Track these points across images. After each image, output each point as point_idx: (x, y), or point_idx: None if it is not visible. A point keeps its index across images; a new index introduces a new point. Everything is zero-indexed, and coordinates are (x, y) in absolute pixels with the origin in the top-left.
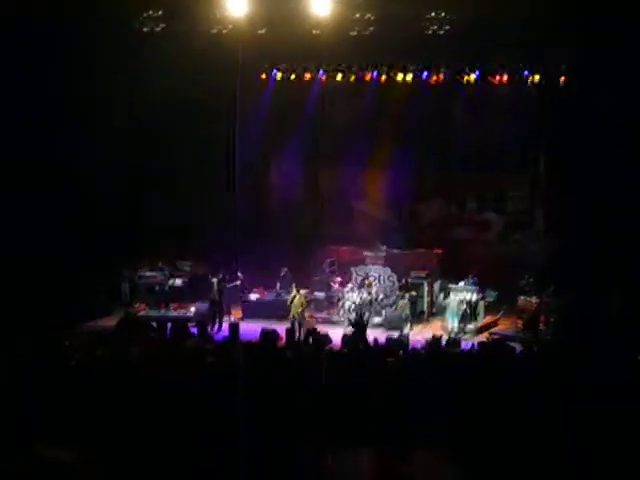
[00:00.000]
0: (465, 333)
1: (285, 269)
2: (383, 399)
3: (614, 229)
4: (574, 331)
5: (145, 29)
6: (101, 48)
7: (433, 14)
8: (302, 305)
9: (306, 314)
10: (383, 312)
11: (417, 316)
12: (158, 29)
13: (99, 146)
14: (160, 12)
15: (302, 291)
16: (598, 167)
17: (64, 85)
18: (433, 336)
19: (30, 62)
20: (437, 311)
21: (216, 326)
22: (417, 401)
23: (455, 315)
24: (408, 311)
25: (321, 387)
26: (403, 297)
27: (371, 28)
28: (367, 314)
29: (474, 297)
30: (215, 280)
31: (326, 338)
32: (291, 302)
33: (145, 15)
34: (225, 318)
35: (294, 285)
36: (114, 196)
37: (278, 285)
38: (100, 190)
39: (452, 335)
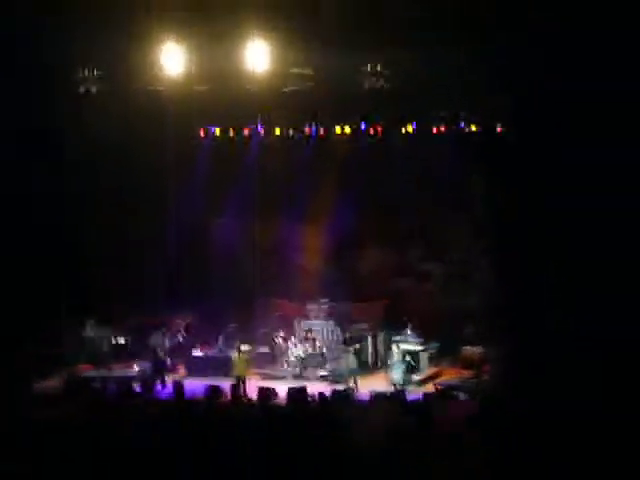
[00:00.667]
0: (410, 384)
1: (232, 325)
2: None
3: (557, 275)
4: (518, 379)
5: (81, 90)
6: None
7: (369, 68)
8: (246, 361)
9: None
10: (327, 365)
11: (362, 368)
12: (94, 89)
13: (36, 206)
14: (95, 72)
15: (245, 347)
16: (536, 216)
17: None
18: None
19: None
20: (381, 363)
21: (159, 384)
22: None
23: (399, 367)
24: (353, 363)
25: (269, 442)
26: (347, 350)
27: (308, 83)
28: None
29: (417, 348)
30: (158, 337)
31: (272, 393)
32: (236, 359)
33: (80, 76)
34: (168, 376)
35: (238, 341)
36: (54, 256)
37: (221, 340)
38: (40, 251)
39: (397, 387)
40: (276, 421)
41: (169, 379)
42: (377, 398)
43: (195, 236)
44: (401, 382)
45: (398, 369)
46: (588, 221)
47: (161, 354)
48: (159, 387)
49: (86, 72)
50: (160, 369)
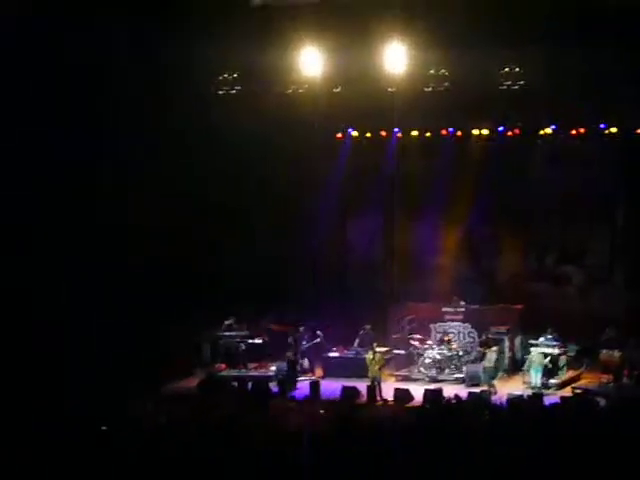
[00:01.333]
0: (548, 388)
1: (367, 327)
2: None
3: None
4: None
5: (220, 92)
6: (176, 112)
7: (507, 69)
8: (380, 363)
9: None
10: (464, 368)
11: (499, 371)
12: (233, 91)
13: (170, 208)
14: (235, 74)
15: (381, 349)
16: None
17: (134, 150)
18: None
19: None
20: (518, 366)
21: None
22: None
23: (537, 370)
24: (491, 366)
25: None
26: (486, 353)
27: (445, 84)
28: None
29: (555, 351)
30: (293, 339)
31: (407, 395)
32: (371, 361)
33: (220, 78)
34: (305, 377)
35: (374, 343)
36: (194, 259)
37: (357, 342)
38: (179, 254)
39: (535, 390)
40: (412, 423)
41: (306, 379)
42: (513, 402)
43: (334, 238)
44: (539, 385)
45: (536, 372)
46: None
47: (298, 355)
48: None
49: (226, 74)
50: (296, 370)
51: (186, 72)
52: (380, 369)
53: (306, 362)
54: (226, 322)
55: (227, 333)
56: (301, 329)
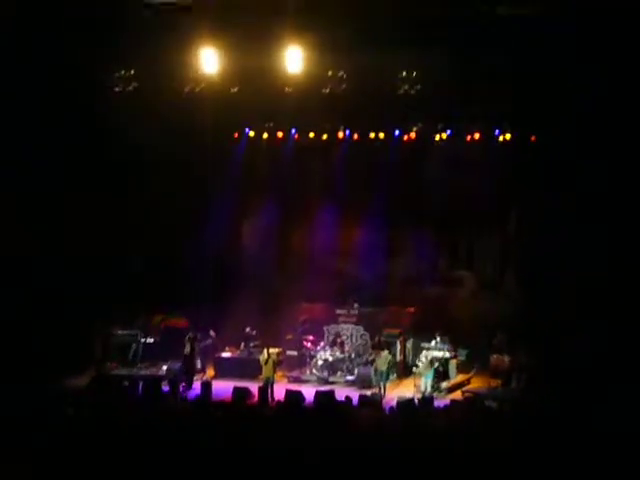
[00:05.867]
0: (438, 391)
1: (248, 328)
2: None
3: (585, 287)
4: (546, 387)
5: (117, 89)
6: (72, 107)
7: (405, 73)
8: (274, 364)
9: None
10: (355, 370)
11: (390, 374)
12: (130, 88)
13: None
14: (132, 71)
15: (274, 349)
16: (569, 227)
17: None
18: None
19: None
20: (410, 369)
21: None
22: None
23: (428, 373)
24: (382, 369)
25: (299, 445)
26: (377, 355)
27: (343, 86)
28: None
29: (446, 355)
30: (187, 338)
31: (299, 396)
32: (265, 361)
33: (117, 75)
34: (197, 377)
35: (264, 344)
36: (90, 256)
37: (242, 344)
38: (77, 250)
39: (425, 393)
40: (302, 423)
41: (197, 380)
42: (403, 404)
43: (229, 238)
44: (429, 389)
45: (427, 376)
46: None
47: (189, 355)
48: (185, 387)
49: (123, 71)
50: (188, 369)
51: (83, 69)
52: (274, 370)
53: (198, 362)
54: (119, 320)
55: (120, 331)
56: (193, 329)
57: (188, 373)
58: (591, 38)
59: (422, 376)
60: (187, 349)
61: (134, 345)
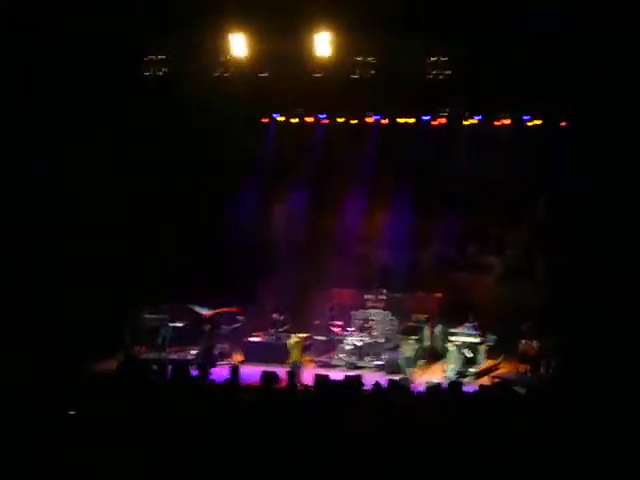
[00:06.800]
0: (466, 377)
1: (276, 314)
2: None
3: (615, 275)
4: (575, 374)
5: (147, 73)
6: (103, 91)
7: (434, 59)
8: (301, 348)
9: (306, 358)
10: (383, 355)
11: (418, 360)
12: (160, 73)
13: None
14: (164, 55)
15: (302, 334)
16: (598, 214)
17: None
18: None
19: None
20: (438, 355)
21: (215, 369)
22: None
23: (457, 359)
24: (411, 354)
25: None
26: (405, 341)
27: (372, 71)
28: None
29: (475, 340)
30: (211, 324)
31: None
32: (292, 346)
33: (147, 58)
34: (225, 361)
35: (293, 328)
36: (117, 242)
37: (271, 329)
38: (100, 237)
39: (454, 379)
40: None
41: (224, 365)
42: (432, 389)
43: (259, 223)
44: (458, 374)
45: (455, 361)
46: None
47: (214, 339)
48: (214, 371)
49: (153, 56)
50: (215, 354)
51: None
52: (301, 355)
53: (226, 346)
54: (148, 305)
55: (148, 316)
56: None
57: (215, 357)
58: (629, 24)
59: (450, 362)
60: (213, 334)
61: (163, 329)
